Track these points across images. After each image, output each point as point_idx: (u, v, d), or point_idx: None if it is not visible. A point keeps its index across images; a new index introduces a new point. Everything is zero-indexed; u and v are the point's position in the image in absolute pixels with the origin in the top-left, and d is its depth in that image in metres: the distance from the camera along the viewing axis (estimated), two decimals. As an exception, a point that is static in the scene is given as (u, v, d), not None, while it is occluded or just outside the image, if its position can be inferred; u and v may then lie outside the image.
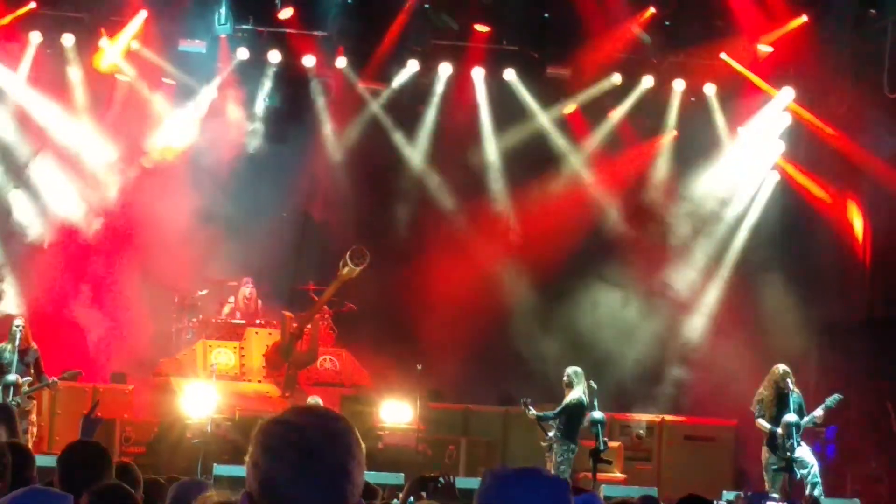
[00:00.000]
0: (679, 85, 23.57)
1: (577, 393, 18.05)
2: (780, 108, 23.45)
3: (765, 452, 17.69)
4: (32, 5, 21.76)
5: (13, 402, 17.36)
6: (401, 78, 23.60)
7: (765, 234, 23.84)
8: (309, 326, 21.36)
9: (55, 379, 18.43)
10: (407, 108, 24.22)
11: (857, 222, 22.83)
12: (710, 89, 23.63)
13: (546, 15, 23.04)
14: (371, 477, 12.89)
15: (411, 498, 9.74)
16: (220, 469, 17.20)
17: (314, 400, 18.73)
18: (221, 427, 19.48)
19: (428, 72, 23.62)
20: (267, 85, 23.49)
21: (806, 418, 17.48)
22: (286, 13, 22.45)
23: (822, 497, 17.49)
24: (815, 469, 17.48)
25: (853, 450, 21.70)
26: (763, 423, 17.60)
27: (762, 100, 23.49)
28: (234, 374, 21.57)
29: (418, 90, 23.93)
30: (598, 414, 17.76)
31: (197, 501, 4.70)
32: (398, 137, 24.40)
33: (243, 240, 22.96)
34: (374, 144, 24.26)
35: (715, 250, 24.05)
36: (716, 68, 23.25)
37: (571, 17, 22.38)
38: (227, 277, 23.16)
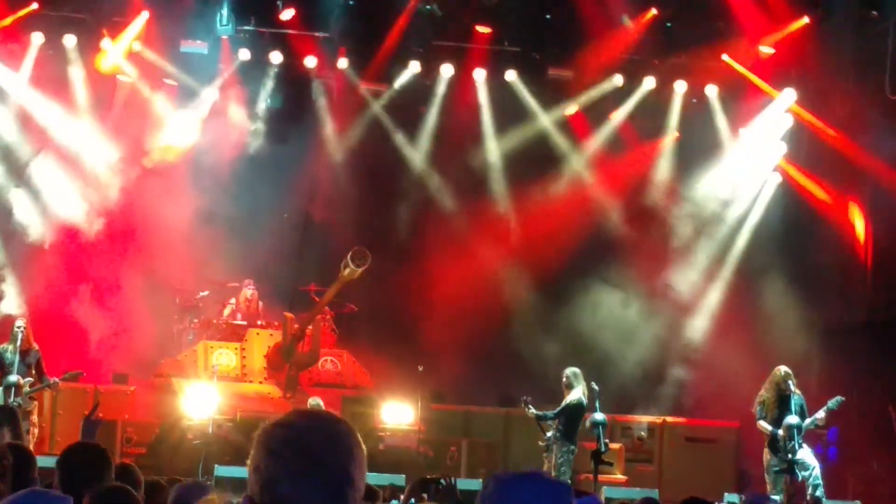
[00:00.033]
0: (680, 86, 23.58)
1: (577, 394, 18.05)
2: (781, 109, 23.46)
3: (766, 454, 17.68)
4: (34, 6, 21.78)
5: (14, 403, 17.37)
6: (402, 79, 23.61)
7: (766, 235, 23.84)
8: (310, 327, 21.36)
9: (56, 379, 18.44)
10: (408, 109, 24.23)
11: (859, 224, 22.84)
12: (711, 91, 23.64)
13: (548, 16, 23.05)
14: (372, 478, 12.89)
15: (412, 499, 9.74)
16: (222, 470, 17.21)
17: (315, 401, 18.73)
18: (222, 428, 19.49)
19: (429, 73, 23.63)
20: (268, 86, 23.50)
21: (808, 420, 17.47)
22: (288, 14, 22.46)
23: (824, 499, 17.49)
24: (817, 471, 17.47)
25: (855, 452, 21.70)
26: (764, 425, 17.59)
27: (764, 101, 23.50)
28: (236, 375, 21.57)
29: (419, 91, 23.94)
30: (599, 415, 17.76)
31: (198, 504, 4.71)
32: (399, 138, 24.42)
33: (244, 240, 22.96)
34: (376, 145, 24.27)
35: (716, 251, 24.06)
36: (717, 70, 23.26)
37: (573, 19, 22.39)
38: (228, 278, 23.16)
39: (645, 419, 22.04)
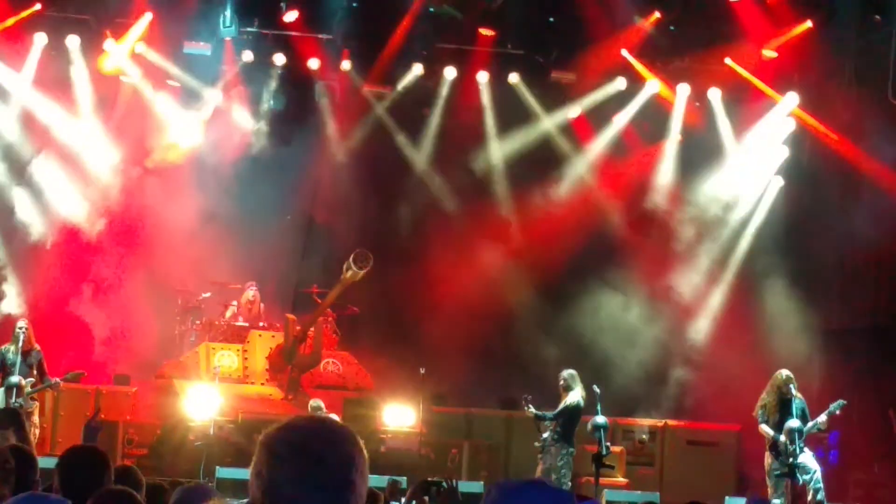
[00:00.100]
0: (684, 89, 23.57)
1: (575, 396, 18.06)
2: (784, 113, 23.46)
3: (768, 458, 17.67)
4: (37, 7, 21.77)
5: (16, 404, 17.38)
6: (405, 81, 23.62)
7: (769, 238, 23.83)
8: (312, 329, 21.37)
9: (58, 380, 18.46)
10: (411, 111, 24.24)
11: (861, 228, 22.82)
12: (714, 94, 23.63)
13: (551, 19, 23.03)
14: (373, 480, 12.89)
15: (414, 501, 9.76)
16: (223, 471, 17.25)
17: (316, 403, 18.73)
18: (224, 429, 19.50)
19: (432, 75, 23.63)
20: (271, 87, 23.50)
21: (809, 424, 17.46)
22: (291, 16, 22.45)
23: (825, 502, 17.49)
24: (818, 475, 17.47)
25: (856, 455, 21.70)
26: (766, 429, 17.58)
27: (766, 105, 23.50)
28: (238, 377, 21.58)
29: (423, 93, 23.94)
30: (600, 418, 17.77)
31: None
32: (402, 140, 24.42)
33: (247, 242, 22.97)
34: (378, 147, 24.28)
35: (718, 254, 24.05)
36: (720, 73, 23.26)
37: (576, 22, 22.40)
38: (231, 280, 23.17)
39: (646, 422, 22.03)
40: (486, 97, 23.97)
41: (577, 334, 23.12)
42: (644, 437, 21.79)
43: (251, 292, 22.71)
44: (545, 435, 18.08)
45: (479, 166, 24.43)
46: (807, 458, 17.47)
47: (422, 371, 20.30)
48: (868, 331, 22.59)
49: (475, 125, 24.12)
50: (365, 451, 3.26)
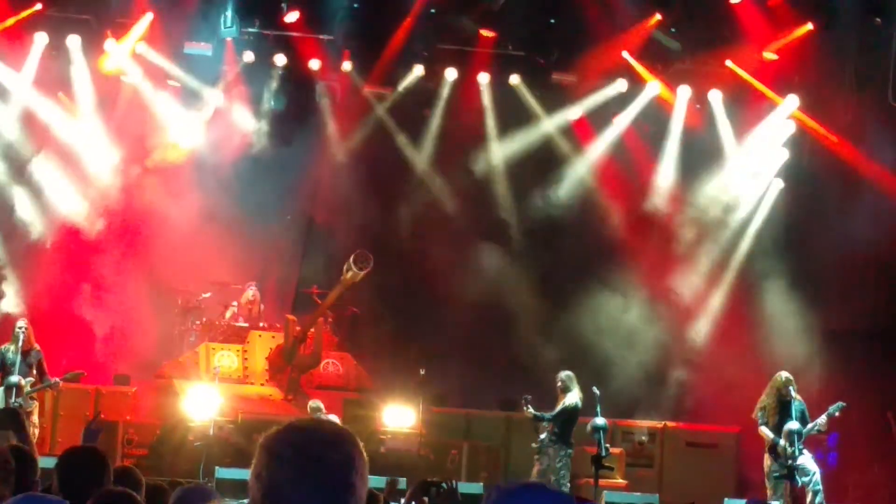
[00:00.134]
0: (684, 91, 23.57)
1: (573, 397, 18.08)
2: (784, 115, 23.47)
3: (767, 460, 17.68)
4: (38, 6, 21.77)
5: (15, 404, 17.38)
6: (406, 82, 23.62)
7: (769, 240, 23.84)
8: (312, 330, 21.38)
9: (57, 380, 18.46)
10: (412, 112, 24.24)
11: (861, 230, 22.81)
12: (715, 96, 23.63)
13: (552, 20, 23.03)
14: (373, 481, 12.88)
15: (413, 502, 9.76)
16: (223, 472, 17.23)
17: (316, 403, 18.72)
18: (224, 430, 19.50)
19: (433, 76, 23.63)
20: (272, 87, 23.50)
21: (809, 426, 17.48)
22: (292, 16, 22.46)
23: (824, 504, 17.51)
24: (817, 477, 17.48)
25: (855, 457, 21.70)
26: (766, 431, 17.59)
27: (767, 107, 23.50)
28: (237, 377, 21.58)
29: (423, 94, 23.94)
30: (600, 420, 17.77)
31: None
32: (402, 141, 24.42)
33: (247, 242, 22.97)
34: (379, 148, 24.27)
35: (719, 256, 24.06)
36: (721, 75, 23.26)
37: (577, 23, 22.39)
38: (231, 280, 23.17)
39: (645, 424, 22.04)
40: (486, 98, 23.97)
41: (576, 336, 23.11)
42: (643, 438, 21.80)
43: (251, 292, 22.70)
44: (542, 436, 18.09)
45: (480, 167, 24.42)
46: (806, 459, 17.48)
47: (421, 372, 20.32)
48: (868, 333, 22.59)
49: (476, 126, 24.11)
50: (365, 454, 3.27)
